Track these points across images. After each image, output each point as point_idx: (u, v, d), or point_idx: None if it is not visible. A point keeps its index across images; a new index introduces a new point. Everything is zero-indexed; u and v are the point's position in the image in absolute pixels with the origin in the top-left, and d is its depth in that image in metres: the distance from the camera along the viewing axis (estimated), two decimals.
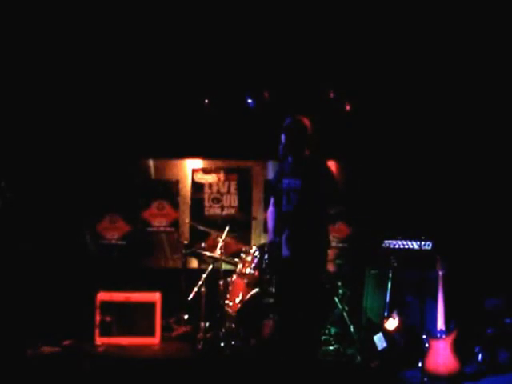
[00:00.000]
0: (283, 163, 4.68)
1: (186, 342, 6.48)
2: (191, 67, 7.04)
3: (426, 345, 5.25)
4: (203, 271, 6.63)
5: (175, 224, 7.80)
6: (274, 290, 5.51)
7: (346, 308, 6.50)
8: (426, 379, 5.10)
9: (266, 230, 6.50)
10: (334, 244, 7.60)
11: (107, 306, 6.40)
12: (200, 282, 6.56)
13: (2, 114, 6.80)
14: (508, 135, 6.78)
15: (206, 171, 7.91)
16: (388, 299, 6.09)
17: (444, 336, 5.24)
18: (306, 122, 4.59)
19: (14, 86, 6.82)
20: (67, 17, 6.34)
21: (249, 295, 6.08)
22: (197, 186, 7.89)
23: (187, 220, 7.71)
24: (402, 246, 6.07)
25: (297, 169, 4.55)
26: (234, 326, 6.09)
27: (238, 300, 6.21)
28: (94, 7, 6.27)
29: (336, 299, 6.54)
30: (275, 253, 4.55)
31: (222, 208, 7.84)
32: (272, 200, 4.82)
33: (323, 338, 6.28)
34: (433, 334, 5.28)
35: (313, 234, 4.47)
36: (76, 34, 6.55)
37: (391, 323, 5.86)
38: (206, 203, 7.87)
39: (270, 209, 4.82)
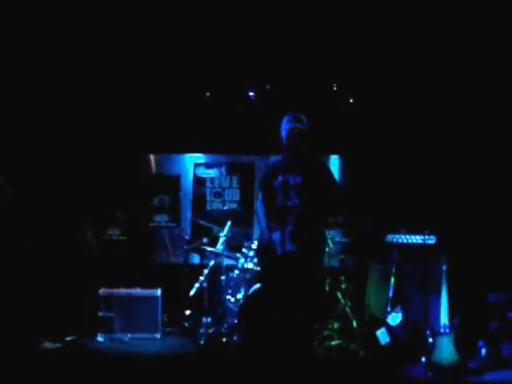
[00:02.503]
0: (277, 159, 4.68)
1: (188, 338, 6.46)
2: (192, 61, 7.00)
3: (430, 340, 5.23)
4: (205, 266, 6.62)
5: (177, 219, 7.78)
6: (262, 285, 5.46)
7: (349, 303, 6.48)
8: (429, 374, 5.08)
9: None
10: (337, 239, 7.58)
11: (109, 302, 6.40)
12: (202, 278, 6.55)
13: (2, 109, 6.78)
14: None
15: (207, 166, 7.89)
16: (391, 294, 6.07)
17: (447, 331, 5.21)
18: (305, 118, 4.59)
19: (15, 82, 6.80)
20: (67, 13, 6.31)
21: (251, 290, 6.06)
22: (198, 181, 7.87)
23: (189, 215, 7.70)
24: (405, 241, 6.04)
25: (296, 166, 4.54)
26: (235, 321, 6.08)
27: (239, 295, 6.20)
28: (94, 3, 6.24)
29: (339, 294, 6.53)
30: (270, 250, 4.52)
31: (224, 203, 7.82)
32: (261, 196, 4.79)
33: (326, 333, 6.26)
34: (436, 328, 5.26)
35: (313, 230, 4.45)
36: (75, 30, 6.53)
37: (394, 318, 5.84)
38: (208, 198, 7.85)
39: (259, 204, 4.79)
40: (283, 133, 4.56)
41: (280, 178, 4.54)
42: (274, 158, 4.77)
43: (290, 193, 4.47)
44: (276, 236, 4.48)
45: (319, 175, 4.55)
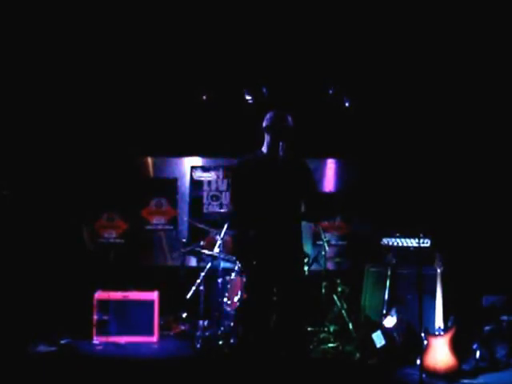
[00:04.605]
0: (256, 156, 4.49)
1: (185, 341, 6.46)
2: (189, 65, 7.01)
3: (425, 342, 5.25)
4: (202, 269, 6.61)
5: (174, 222, 7.80)
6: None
7: (345, 305, 6.49)
8: (424, 376, 5.08)
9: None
10: (333, 242, 7.60)
11: (105, 305, 6.41)
12: (198, 281, 6.54)
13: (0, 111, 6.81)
14: (507, 133, 6.75)
15: (204, 169, 7.90)
16: (387, 297, 6.09)
17: (442, 333, 5.23)
18: (289, 118, 4.49)
19: (13, 84, 6.81)
20: (66, 16, 6.31)
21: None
22: (196, 184, 7.89)
23: (186, 218, 7.71)
24: (400, 244, 6.06)
25: (277, 164, 4.41)
26: (232, 324, 6.09)
27: (236, 298, 6.20)
28: (92, 5, 6.25)
29: (335, 297, 6.54)
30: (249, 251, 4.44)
31: (221, 206, 7.83)
32: (234, 194, 4.63)
33: (322, 335, 6.28)
34: (431, 331, 5.28)
35: (292, 231, 4.39)
36: (74, 33, 6.53)
37: (390, 321, 5.86)
38: (205, 201, 7.86)
39: (232, 204, 4.62)
40: (268, 129, 4.45)
41: (259, 176, 4.39)
42: (251, 154, 4.52)
43: (269, 193, 4.36)
44: (255, 236, 4.35)
45: (301, 176, 4.45)
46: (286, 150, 4.40)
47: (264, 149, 4.46)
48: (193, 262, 7.45)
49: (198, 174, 7.89)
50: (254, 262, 4.36)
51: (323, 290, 6.51)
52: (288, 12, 6.29)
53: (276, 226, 4.31)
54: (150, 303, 6.49)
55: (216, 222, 7.27)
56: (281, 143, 4.38)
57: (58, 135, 7.26)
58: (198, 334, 6.26)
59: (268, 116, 4.47)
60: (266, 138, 4.45)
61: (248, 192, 4.41)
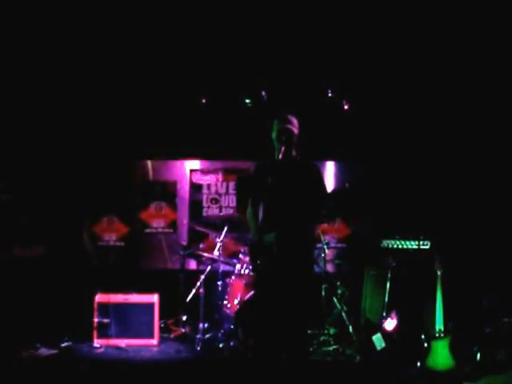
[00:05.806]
0: (266, 161, 4.59)
1: (185, 343, 6.47)
2: (188, 68, 7.02)
3: (425, 344, 5.25)
4: (201, 272, 6.63)
5: (173, 225, 7.80)
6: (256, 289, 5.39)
7: (345, 308, 6.51)
8: (424, 379, 5.09)
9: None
10: (333, 244, 7.61)
11: (105, 308, 6.39)
12: (198, 283, 6.56)
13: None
14: (507, 136, 6.77)
15: (204, 172, 7.91)
16: (387, 299, 6.09)
17: (442, 335, 5.23)
18: (296, 121, 4.54)
19: (13, 88, 6.81)
20: (65, 20, 6.32)
21: (247, 296, 6.08)
22: (195, 187, 7.89)
23: (185, 221, 7.72)
24: (400, 246, 6.07)
25: (286, 168, 4.47)
26: (232, 326, 6.09)
27: (236, 301, 6.21)
28: (91, 9, 6.25)
29: (335, 299, 6.55)
30: (259, 253, 4.47)
31: (221, 209, 7.83)
32: (250, 200, 4.67)
33: (322, 338, 6.28)
34: (431, 333, 5.28)
35: (302, 234, 4.41)
36: (74, 36, 6.54)
37: (390, 323, 5.86)
38: (205, 204, 7.86)
39: (249, 210, 4.64)
40: (274, 134, 4.51)
41: (269, 180, 4.45)
42: (262, 161, 4.66)
43: (279, 195, 4.40)
44: (266, 239, 4.39)
45: (310, 179, 4.48)
46: (286, 153, 4.43)
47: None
48: (192, 264, 7.45)
49: (198, 177, 7.90)
50: (260, 263, 4.41)
51: (323, 293, 6.52)
52: (287, 15, 6.30)
53: (281, 228, 4.34)
54: (150, 306, 6.48)
55: (215, 224, 7.29)
56: (281, 147, 4.43)
57: (57, 139, 7.27)
58: (198, 336, 6.27)
59: (274, 121, 4.54)
60: (274, 142, 4.53)
61: (256, 196, 4.50)
